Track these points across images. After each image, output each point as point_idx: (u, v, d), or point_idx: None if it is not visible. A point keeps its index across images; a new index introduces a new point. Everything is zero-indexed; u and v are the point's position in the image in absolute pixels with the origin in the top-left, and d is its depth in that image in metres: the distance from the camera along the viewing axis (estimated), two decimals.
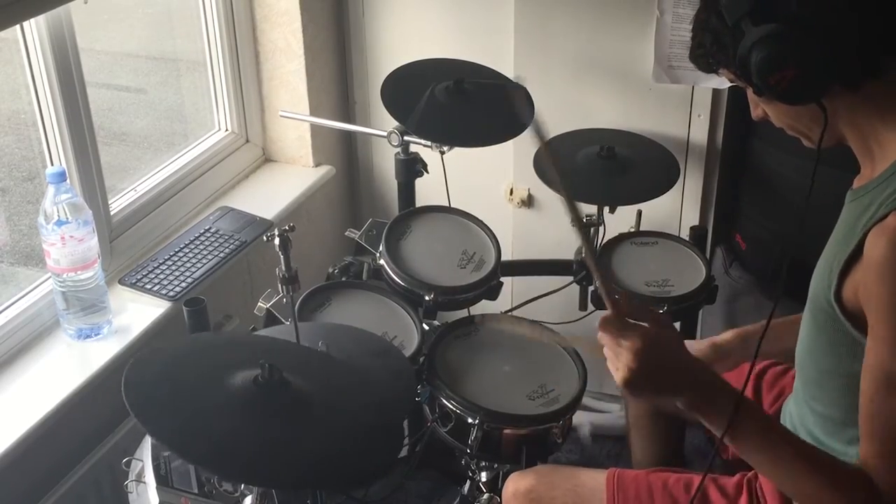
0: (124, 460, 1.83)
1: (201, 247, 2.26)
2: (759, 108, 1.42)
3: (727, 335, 1.74)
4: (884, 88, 1.30)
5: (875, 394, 1.26)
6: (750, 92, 1.39)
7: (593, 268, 1.39)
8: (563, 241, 2.46)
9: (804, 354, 1.48)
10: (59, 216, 1.88)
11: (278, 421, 1.37)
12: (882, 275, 1.25)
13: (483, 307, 2.17)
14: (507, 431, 1.87)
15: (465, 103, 2.22)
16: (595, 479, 1.68)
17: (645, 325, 1.30)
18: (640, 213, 2.35)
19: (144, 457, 1.80)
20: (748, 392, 1.81)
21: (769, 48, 1.26)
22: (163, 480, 1.75)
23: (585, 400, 2.03)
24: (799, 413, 1.53)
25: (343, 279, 2.25)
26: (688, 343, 1.66)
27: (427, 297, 2.03)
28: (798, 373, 1.52)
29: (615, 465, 1.72)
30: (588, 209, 2.31)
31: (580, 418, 2.69)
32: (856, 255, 1.30)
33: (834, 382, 1.41)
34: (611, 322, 1.30)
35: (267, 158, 2.74)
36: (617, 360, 1.29)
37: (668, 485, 1.65)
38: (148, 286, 2.12)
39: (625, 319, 1.30)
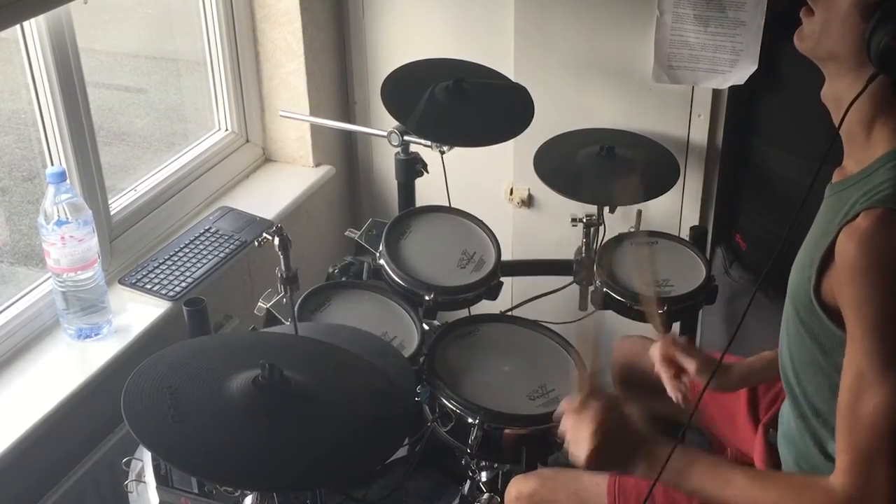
0: (124, 460, 1.83)
1: (201, 247, 2.26)
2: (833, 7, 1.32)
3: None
4: None
5: (848, 395, 1.27)
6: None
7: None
8: (563, 241, 2.46)
9: (788, 351, 1.48)
10: (59, 216, 1.88)
11: (278, 422, 1.37)
12: (852, 278, 1.25)
13: (483, 307, 2.17)
14: (507, 431, 1.87)
15: (465, 103, 2.23)
16: (597, 484, 1.68)
17: (597, 406, 1.44)
18: (640, 213, 2.35)
19: (144, 457, 1.80)
20: (744, 397, 1.82)
21: None
22: (163, 480, 1.75)
23: None
24: (791, 414, 1.53)
25: (343, 279, 2.25)
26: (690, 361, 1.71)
27: (427, 297, 2.03)
28: (783, 371, 1.52)
29: None
30: (588, 209, 2.31)
31: None
32: (831, 253, 1.30)
33: (819, 377, 1.40)
34: (571, 408, 1.46)
35: (267, 158, 2.74)
36: (577, 443, 1.43)
37: (668, 489, 1.64)
38: (148, 286, 2.12)
39: (584, 400, 1.45)
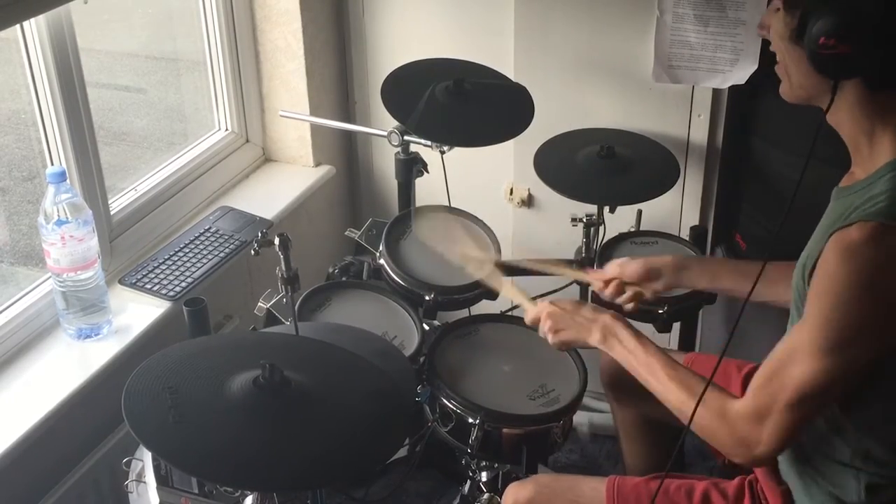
0: (124, 460, 1.83)
1: (201, 247, 2.26)
2: (766, 29, 1.44)
3: (665, 258, 1.89)
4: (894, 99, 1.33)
5: (779, 355, 1.40)
6: (778, 15, 1.39)
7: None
8: (563, 241, 2.46)
9: None
10: (59, 216, 1.88)
11: (278, 422, 1.37)
12: (826, 275, 1.32)
13: (483, 307, 2.17)
14: (507, 431, 1.87)
15: (465, 103, 2.22)
16: (595, 489, 1.67)
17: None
18: (640, 212, 2.35)
19: (144, 457, 1.80)
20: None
21: (847, 17, 1.27)
22: (163, 480, 1.75)
23: (585, 400, 2.03)
24: None
25: (343, 279, 2.25)
26: (622, 261, 1.92)
27: (427, 297, 2.03)
28: None
29: (613, 465, 1.72)
30: (588, 209, 2.31)
31: (579, 418, 2.69)
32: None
33: None
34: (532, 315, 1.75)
35: (267, 158, 2.74)
36: (546, 330, 1.70)
37: (668, 492, 1.64)
38: (148, 286, 2.12)
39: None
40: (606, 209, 2.31)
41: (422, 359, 1.96)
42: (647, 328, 2.14)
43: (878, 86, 1.33)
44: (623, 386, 2.06)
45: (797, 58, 1.36)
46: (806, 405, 1.36)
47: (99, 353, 1.98)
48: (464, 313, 2.20)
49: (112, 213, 2.22)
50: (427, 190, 2.43)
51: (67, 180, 1.91)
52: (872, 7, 1.26)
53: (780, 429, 1.38)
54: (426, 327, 2.06)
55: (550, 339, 1.70)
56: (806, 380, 1.34)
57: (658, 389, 1.54)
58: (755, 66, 2.26)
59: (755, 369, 1.87)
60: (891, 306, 1.30)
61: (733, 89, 2.34)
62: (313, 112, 2.62)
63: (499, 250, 2.17)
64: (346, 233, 2.26)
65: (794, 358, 1.36)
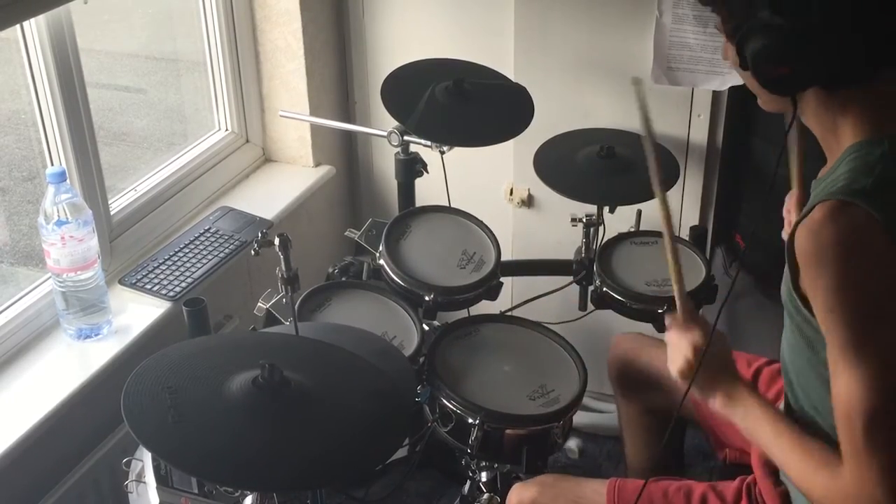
0: (124, 460, 1.83)
1: (201, 247, 2.26)
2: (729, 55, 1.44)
3: None
4: (854, 93, 1.34)
5: (832, 384, 1.29)
6: (728, 44, 1.41)
7: (672, 264, 1.59)
8: (563, 241, 2.46)
9: (786, 350, 1.50)
10: (59, 216, 1.88)
11: (278, 422, 1.37)
12: (806, 269, 1.30)
13: (483, 307, 2.17)
14: (507, 432, 1.87)
15: (465, 103, 2.23)
16: (596, 491, 1.69)
17: (702, 330, 1.51)
18: (640, 212, 2.35)
19: (144, 457, 1.80)
20: None
21: (774, 40, 1.29)
22: (163, 480, 1.75)
23: (585, 400, 2.04)
24: (792, 413, 1.54)
25: (343, 279, 2.25)
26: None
27: (427, 298, 2.03)
28: (783, 369, 1.53)
29: (615, 466, 1.73)
30: (588, 209, 2.31)
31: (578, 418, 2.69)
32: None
33: (812, 372, 1.41)
34: (677, 319, 1.54)
35: (267, 158, 2.74)
36: (677, 354, 1.51)
37: (668, 494, 1.65)
38: (148, 286, 2.12)
39: (690, 317, 1.53)
40: (606, 209, 2.31)
41: (421, 359, 1.96)
42: (647, 328, 2.14)
43: (834, 87, 1.35)
44: (630, 380, 2.06)
45: (753, 81, 1.38)
46: (878, 425, 1.23)
47: (99, 354, 1.98)
48: (464, 313, 2.20)
49: (112, 213, 2.22)
50: (427, 190, 2.43)
51: (67, 180, 1.91)
52: (797, 23, 1.27)
53: (876, 471, 1.23)
54: (426, 327, 2.06)
55: (674, 371, 1.54)
56: (860, 397, 1.24)
57: (780, 461, 1.44)
58: None
59: (765, 365, 1.88)
60: (880, 279, 1.26)
61: (733, 89, 2.34)
62: (313, 112, 2.62)
63: (499, 250, 2.17)
64: (346, 233, 2.26)
65: (838, 384, 1.27)
